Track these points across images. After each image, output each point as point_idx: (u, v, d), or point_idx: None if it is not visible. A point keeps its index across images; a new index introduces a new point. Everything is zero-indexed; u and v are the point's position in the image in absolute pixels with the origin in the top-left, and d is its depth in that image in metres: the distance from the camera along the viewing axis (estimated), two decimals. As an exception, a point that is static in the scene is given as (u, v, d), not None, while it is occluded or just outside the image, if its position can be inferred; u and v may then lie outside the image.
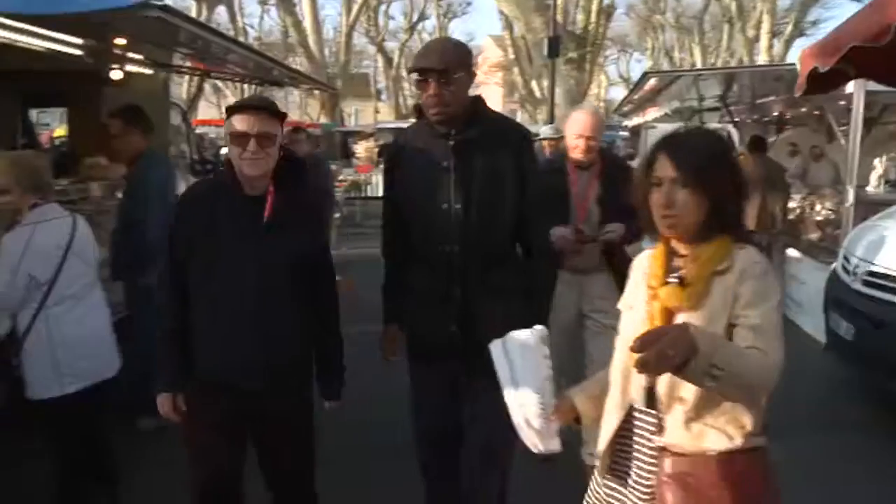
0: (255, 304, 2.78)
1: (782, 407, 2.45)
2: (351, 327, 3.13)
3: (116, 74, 6.48)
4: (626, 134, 22.80)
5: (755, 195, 8.11)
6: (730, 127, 13.55)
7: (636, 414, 2.08)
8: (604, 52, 42.54)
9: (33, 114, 9.97)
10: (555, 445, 2.16)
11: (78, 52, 5.70)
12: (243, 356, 2.80)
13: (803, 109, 9.82)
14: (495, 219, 2.96)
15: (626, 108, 17.24)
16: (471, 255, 2.94)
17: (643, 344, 1.72)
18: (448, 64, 2.85)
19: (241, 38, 32.03)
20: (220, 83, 29.15)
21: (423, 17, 43.37)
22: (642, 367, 1.73)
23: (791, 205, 10.28)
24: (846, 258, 5.62)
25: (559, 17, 17.40)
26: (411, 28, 42.83)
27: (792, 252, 8.19)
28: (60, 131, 12.16)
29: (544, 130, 7.79)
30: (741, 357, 1.83)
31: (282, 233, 2.80)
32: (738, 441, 1.94)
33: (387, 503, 3.88)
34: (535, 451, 2.17)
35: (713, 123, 15.29)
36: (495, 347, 2.21)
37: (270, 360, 2.83)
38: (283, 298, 2.83)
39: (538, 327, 2.21)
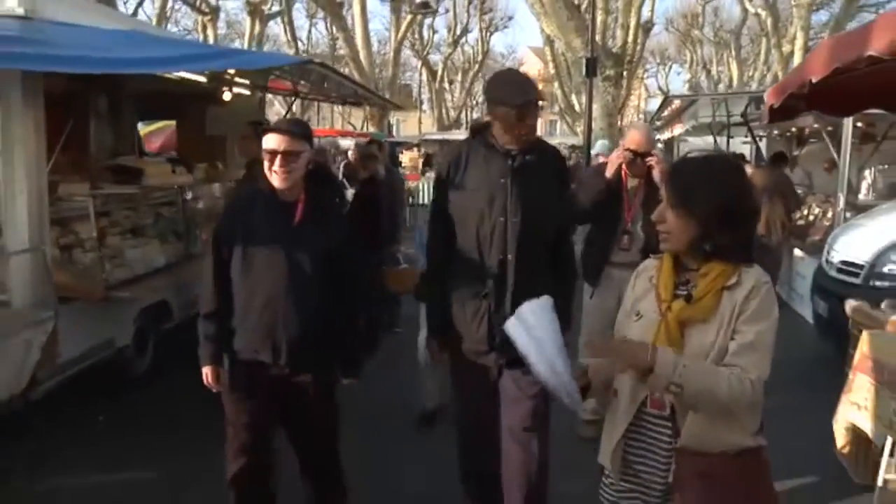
0: (285, 293, 3.13)
1: (780, 373, 3.32)
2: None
3: (227, 96, 7.83)
4: (661, 146, 23.87)
5: (763, 203, 9.25)
6: (761, 142, 14.64)
7: (647, 417, 2.19)
8: (644, 64, 43.55)
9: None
10: (583, 405, 2.33)
11: (203, 79, 7.04)
12: (273, 338, 3.14)
13: (816, 126, 10.87)
14: (543, 232, 3.25)
15: (658, 124, 18.41)
16: (522, 264, 3.20)
17: (597, 351, 2.12)
18: (541, 97, 3.26)
19: (291, 52, 33.73)
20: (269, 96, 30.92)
21: (466, 31, 44.76)
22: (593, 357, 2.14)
23: (806, 211, 11.40)
24: (828, 251, 6.79)
25: (597, 38, 18.50)
26: (455, 42, 44.14)
27: (797, 252, 9.31)
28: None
29: (599, 145, 9.17)
30: (707, 377, 2.01)
31: (310, 233, 3.16)
32: (748, 440, 2.11)
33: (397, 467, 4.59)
34: (572, 408, 2.29)
35: (739, 138, 16.39)
36: (511, 324, 2.29)
37: (296, 342, 3.15)
38: (310, 289, 3.15)
39: (545, 296, 2.33)
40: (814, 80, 3.58)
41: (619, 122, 20.95)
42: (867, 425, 3.85)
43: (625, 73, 22.23)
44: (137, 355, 5.83)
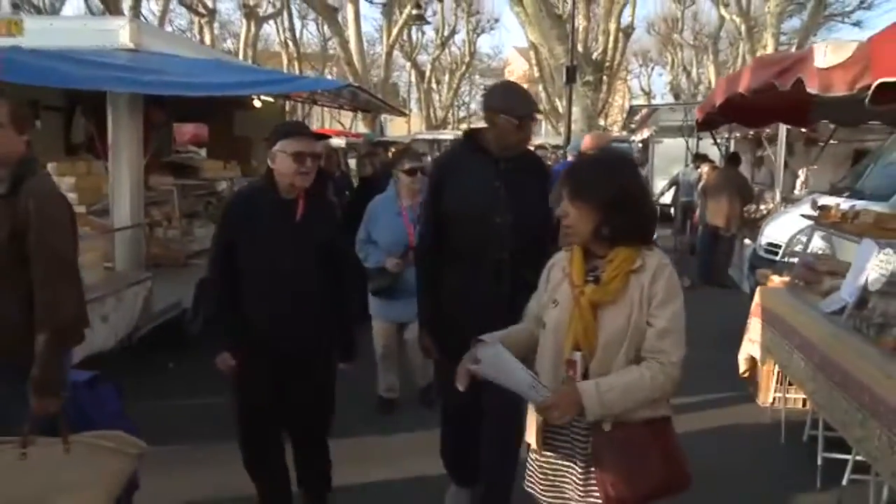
0: (289, 284, 3.34)
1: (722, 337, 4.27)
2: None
3: (257, 103, 9.14)
4: (640, 146, 25.38)
5: (722, 199, 10.64)
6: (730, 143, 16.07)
7: None
8: (626, 65, 44.88)
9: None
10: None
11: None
12: (278, 327, 3.36)
13: (767, 130, 12.28)
14: (531, 230, 3.40)
15: (633, 127, 19.93)
16: (516, 260, 3.36)
17: (542, 411, 2.25)
18: (538, 111, 3.82)
19: (284, 52, 34.93)
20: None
21: (453, 33, 45.90)
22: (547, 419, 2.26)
23: (763, 206, 12.88)
24: (760, 236, 8.23)
25: (579, 47, 19.87)
26: (443, 43, 45.34)
27: (747, 241, 10.75)
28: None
29: (572, 146, 10.53)
30: (630, 391, 2.22)
31: (310, 228, 3.38)
32: (660, 410, 2.32)
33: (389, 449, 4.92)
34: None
35: (709, 139, 17.86)
36: (478, 369, 2.38)
37: (300, 331, 3.38)
38: (311, 280, 3.39)
39: (491, 336, 2.46)
40: (717, 104, 4.98)
41: (599, 124, 22.39)
42: (757, 353, 5.28)
43: (605, 77, 23.63)
44: (194, 317, 7.15)
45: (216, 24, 37.20)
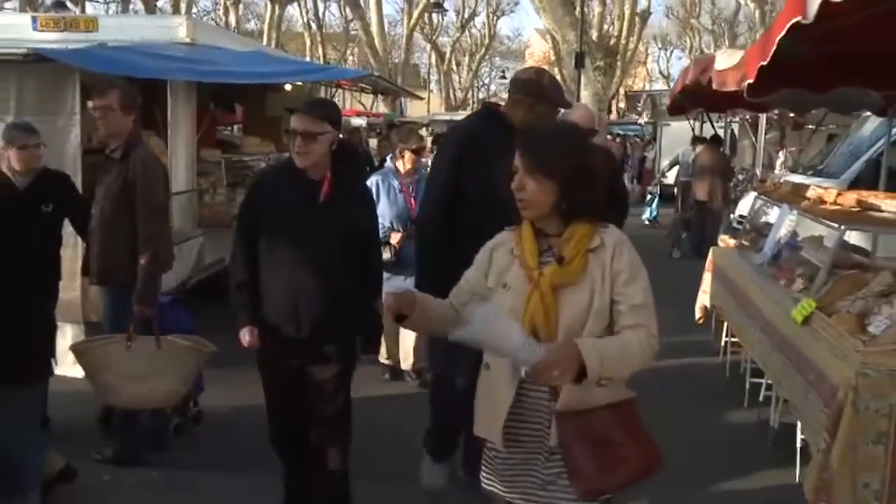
0: (308, 268, 3.24)
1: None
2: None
3: (287, 86, 10.18)
4: (650, 129, 26.32)
5: (706, 176, 11.65)
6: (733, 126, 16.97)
7: (526, 387, 2.25)
8: (646, 49, 45.20)
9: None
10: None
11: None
12: (296, 311, 3.26)
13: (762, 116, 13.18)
14: None
15: (639, 110, 20.89)
16: None
17: (539, 372, 2.03)
18: None
19: (307, 33, 35.84)
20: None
21: (473, 15, 46.64)
22: (538, 382, 2.12)
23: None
24: (735, 209, 9.25)
25: (593, 33, 20.67)
26: (463, 26, 46.08)
27: (732, 215, 11.76)
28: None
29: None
30: (625, 358, 2.14)
31: (334, 211, 3.25)
32: (621, 394, 2.25)
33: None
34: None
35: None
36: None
37: (318, 316, 3.26)
38: (333, 265, 3.26)
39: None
40: (677, 92, 5.97)
41: (609, 108, 23.23)
42: (706, 301, 6.31)
43: (618, 62, 24.42)
44: (233, 273, 8.23)
45: (240, 6, 38.38)
